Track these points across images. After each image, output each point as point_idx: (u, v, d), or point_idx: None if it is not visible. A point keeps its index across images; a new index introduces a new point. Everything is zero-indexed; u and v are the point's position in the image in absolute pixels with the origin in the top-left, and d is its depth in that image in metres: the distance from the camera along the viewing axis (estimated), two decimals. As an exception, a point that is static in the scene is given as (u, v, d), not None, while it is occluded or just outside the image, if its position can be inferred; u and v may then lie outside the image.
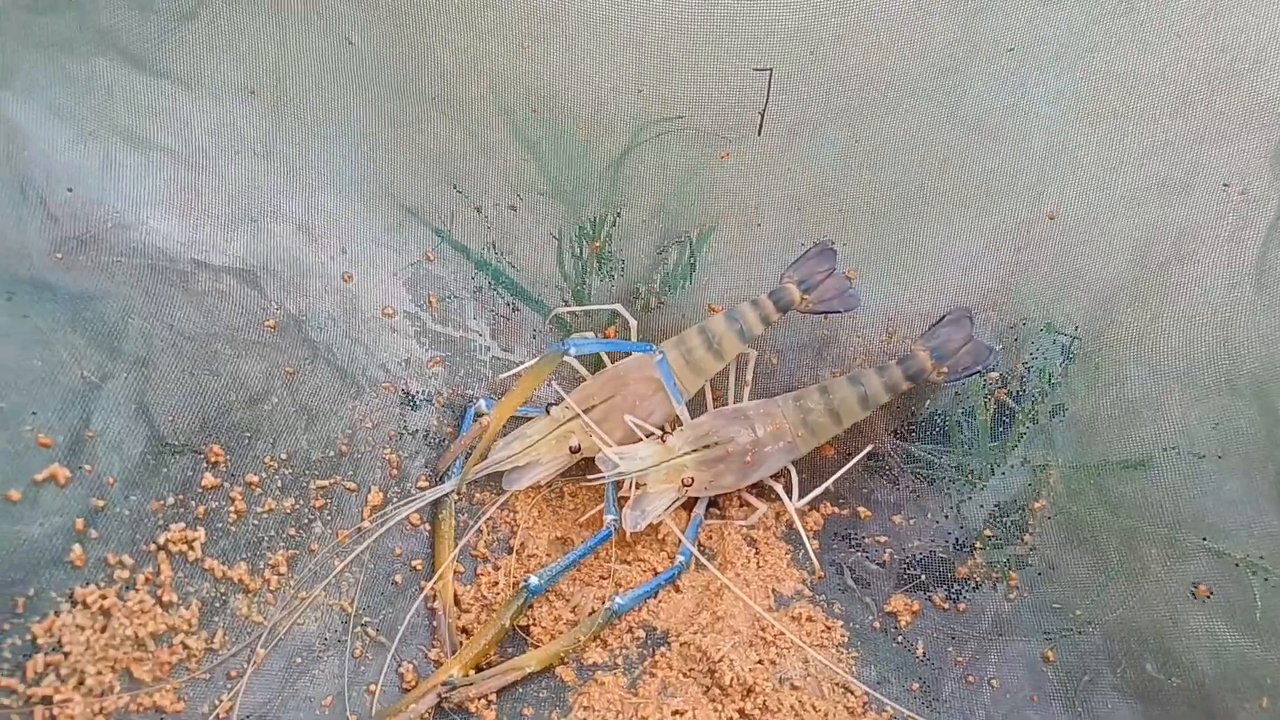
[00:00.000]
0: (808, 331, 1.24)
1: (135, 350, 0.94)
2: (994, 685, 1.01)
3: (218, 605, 0.93)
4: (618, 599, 1.04)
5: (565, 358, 1.14)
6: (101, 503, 0.87)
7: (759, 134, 1.18)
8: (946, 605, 1.07)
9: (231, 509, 0.97)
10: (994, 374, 1.15)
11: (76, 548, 0.84)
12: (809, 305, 1.20)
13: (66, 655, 0.82)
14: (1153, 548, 0.97)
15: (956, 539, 1.10)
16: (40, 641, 0.81)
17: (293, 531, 1.00)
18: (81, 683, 0.83)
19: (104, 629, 0.85)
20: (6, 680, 0.79)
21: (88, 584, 0.85)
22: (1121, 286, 1.07)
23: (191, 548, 0.92)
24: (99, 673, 0.83)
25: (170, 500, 0.92)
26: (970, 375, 1.14)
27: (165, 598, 0.89)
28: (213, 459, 0.97)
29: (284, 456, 1.02)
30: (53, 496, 0.84)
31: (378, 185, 1.15)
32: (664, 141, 1.19)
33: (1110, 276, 1.08)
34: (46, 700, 0.80)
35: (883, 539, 1.13)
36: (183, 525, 0.92)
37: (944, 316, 1.17)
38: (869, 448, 1.19)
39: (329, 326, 1.10)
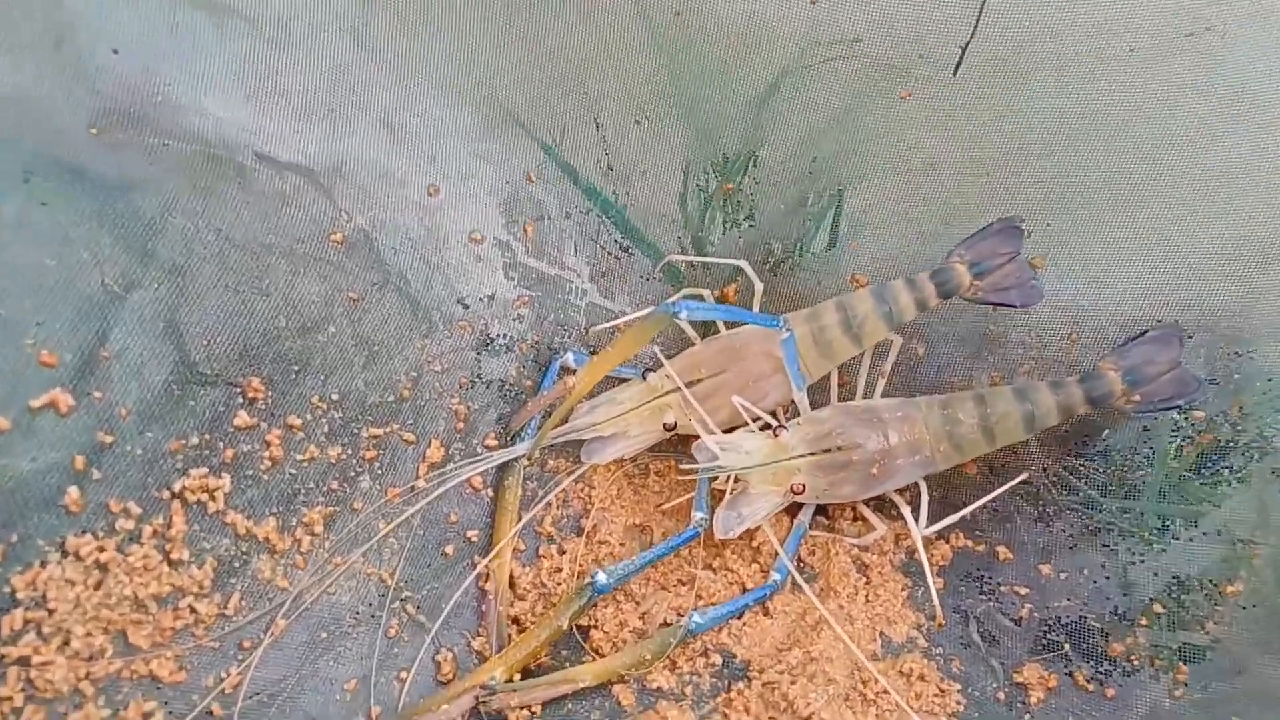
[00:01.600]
0: (969, 322, 1.02)
1: (172, 256, 0.80)
2: (1133, 789, 0.83)
3: (237, 565, 0.80)
4: (695, 616, 0.88)
5: (675, 320, 0.95)
6: (110, 438, 0.74)
7: (954, 73, 0.95)
8: (1091, 686, 0.87)
9: (266, 455, 0.83)
10: (1199, 413, 0.92)
11: (73, 490, 0.72)
12: (979, 293, 0.98)
13: (51, 612, 0.70)
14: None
15: (1116, 607, 0.90)
16: (20, 595, 0.69)
17: (335, 485, 0.87)
18: (66, 643, 0.71)
19: (98, 585, 0.72)
20: (-25, 635, 0.68)
21: (83, 533, 0.72)
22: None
23: (213, 497, 0.79)
24: (88, 634, 0.72)
25: (194, 440, 0.79)
26: (1168, 409, 0.92)
27: (175, 554, 0.76)
28: (250, 394, 0.83)
29: (335, 397, 0.88)
30: (51, 427, 0.71)
31: (481, 82, 0.97)
32: (831, 69, 0.97)
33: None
34: (23, 661, 0.69)
35: (1023, 590, 0.94)
36: (205, 471, 0.79)
37: (1146, 331, 0.94)
38: (1023, 475, 0.99)
39: (405, 248, 0.94)
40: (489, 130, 0.98)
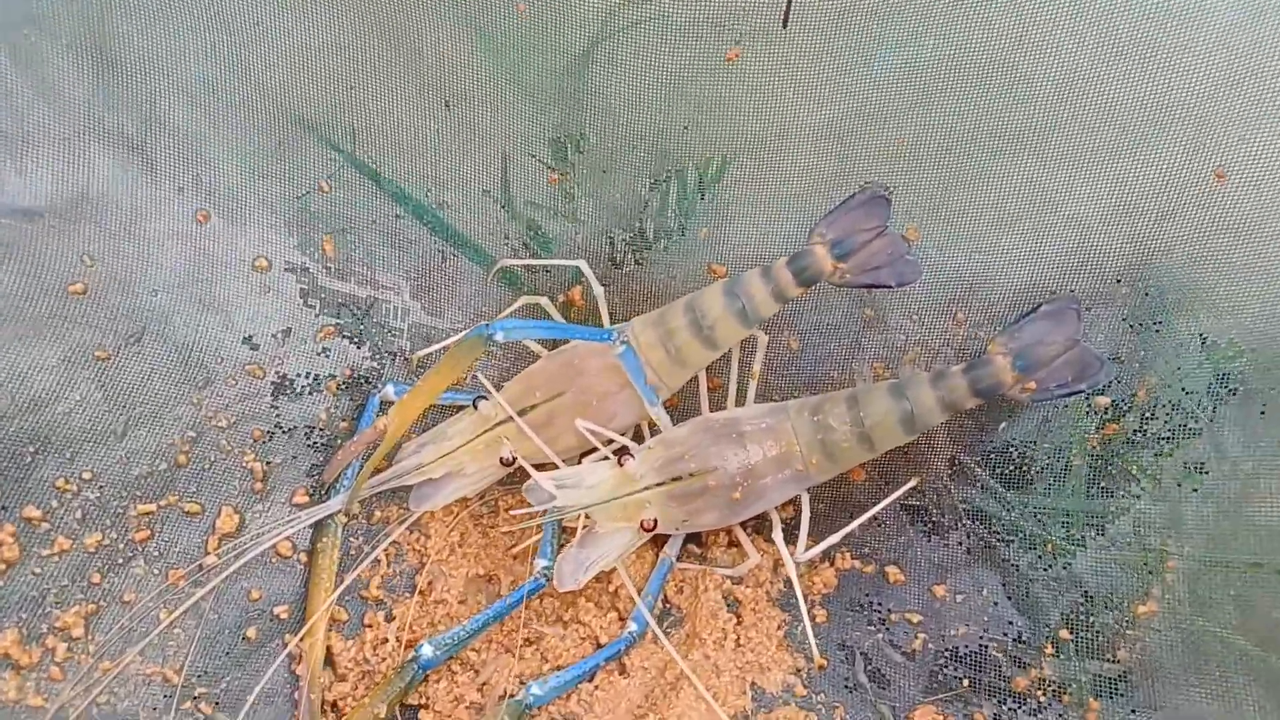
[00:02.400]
0: (844, 308, 0.89)
1: None
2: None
3: (-32, 692, 0.69)
4: (534, 687, 0.76)
5: (492, 342, 0.82)
6: None
7: (784, 26, 0.81)
8: (995, 729, 0.76)
9: (-3, 558, 0.71)
10: (1103, 399, 0.79)
11: None
12: (845, 276, 0.85)
13: None
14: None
15: (1020, 633, 0.78)
16: None
17: (97, 578, 0.74)
18: None
19: None
20: None
21: None
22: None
23: (-77, 618, 0.67)
24: None
25: (-111, 554, 0.67)
26: (1068, 396, 0.79)
27: (-125, 693, 0.65)
28: (-34, 490, 0.70)
29: (87, 476, 0.75)
30: None
31: (252, 86, 0.83)
32: (645, 33, 0.83)
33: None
34: None
35: (916, 618, 0.82)
36: (-92, 588, 0.67)
37: (1038, 306, 0.81)
38: (913, 481, 0.86)
39: (169, 288, 0.81)
40: (265, 138, 0.85)
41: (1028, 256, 0.83)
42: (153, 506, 0.78)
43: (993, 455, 0.83)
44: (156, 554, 0.77)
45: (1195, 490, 0.72)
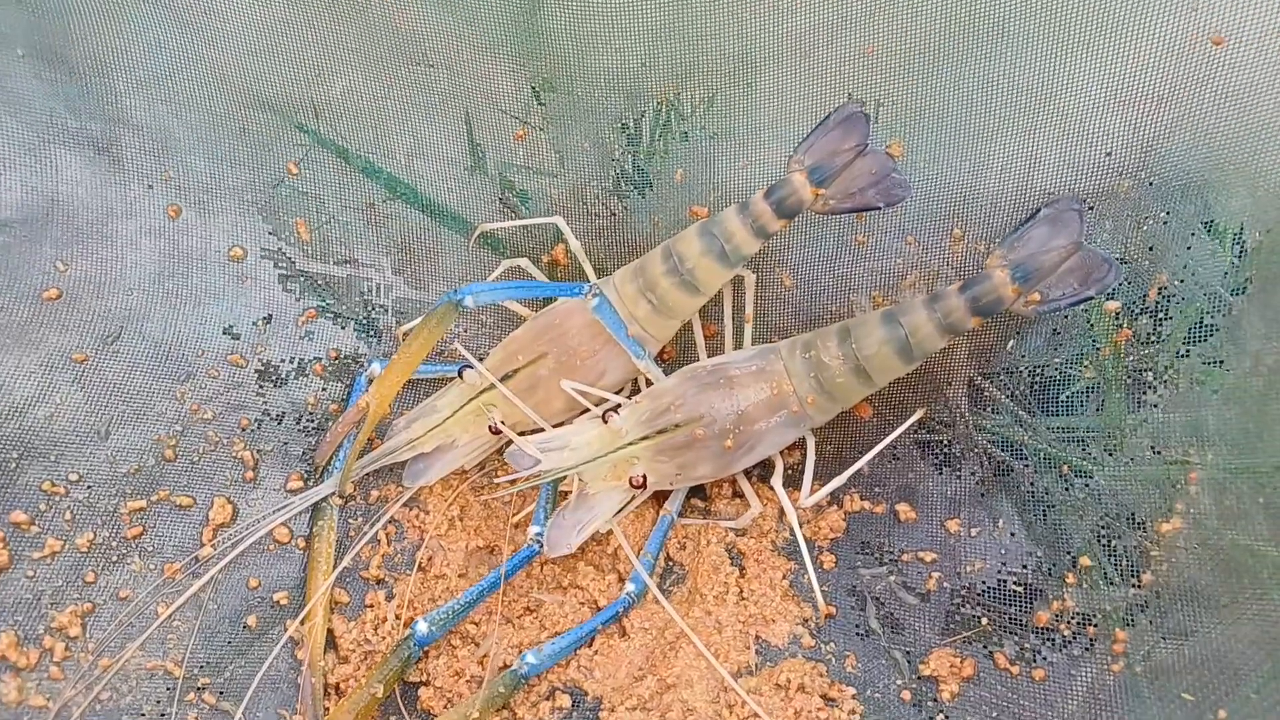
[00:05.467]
0: (836, 237, 0.84)
1: None
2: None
3: (-28, 693, 0.70)
4: (530, 656, 0.74)
5: (462, 309, 0.80)
6: None
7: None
8: (1016, 669, 0.70)
9: (-13, 562, 0.72)
10: (1113, 304, 0.73)
11: None
12: (830, 203, 0.80)
13: None
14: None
15: (1040, 563, 0.72)
16: None
17: (91, 577, 0.75)
18: None
19: None
20: None
21: None
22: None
23: (-82, 628, 0.69)
24: None
25: (-120, 565, 0.69)
26: (1075, 304, 0.73)
27: (-123, 700, 0.67)
28: (-47, 498, 0.72)
29: (74, 478, 0.76)
30: None
31: (211, 74, 0.83)
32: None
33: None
34: None
35: (929, 556, 0.77)
36: (-98, 598, 0.69)
37: (1037, 211, 0.75)
38: (918, 413, 0.81)
39: (144, 285, 0.81)
40: (228, 125, 0.84)
41: (1022, 160, 0.76)
42: (143, 503, 0.78)
43: (1002, 376, 0.77)
44: (151, 549, 0.78)
45: (1215, 393, 0.65)
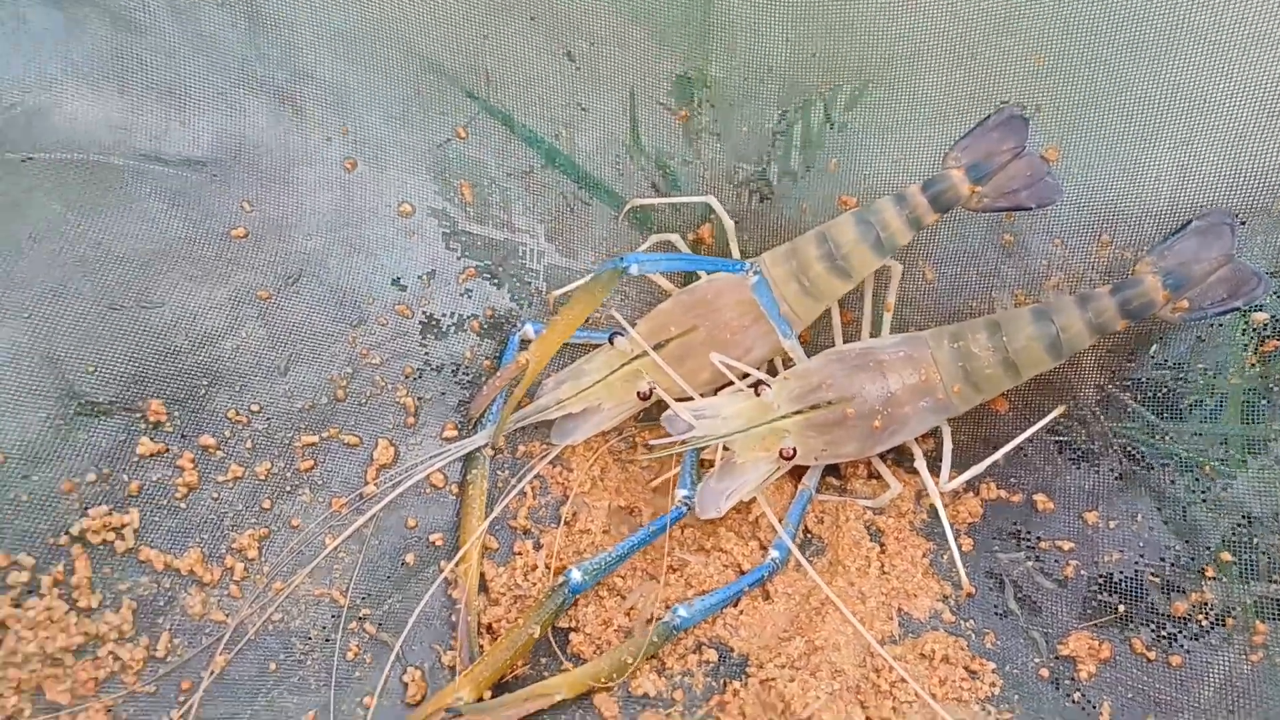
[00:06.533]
0: (981, 234, 0.88)
1: (44, 280, 0.72)
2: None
3: (161, 604, 0.74)
4: (680, 610, 0.77)
5: (625, 275, 0.84)
6: (-17, 489, 0.68)
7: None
8: (1153, 654, 0.74)
9: (180, 481, 0.76)
10: (1261, 315, 0.76)
11: (-57, 549, 0.66)
12: (983, 200, 0.83)
13: (-58, 681, 0.65)
14: None
15: (1178, 557, 0.76)
16: (-100, 670, 0.64)
17: (267, 503, 0.79)
18: (-30, 713, 0.66)
19: (-4, 646, 0.67)
20: None
21: (-36, 593, 0.67)
22: None
23: (121, 535, 0.72)
24: (-2, 696, 0.66)
25: (90, 477, 0.72)
26: (1223, 313, 0.77)
27: (83, 601, 0.70)
28: (152, 418, 0.75)
29: (255, 408, 0.80)
30: (-87, 486, 0.65)
31: (389, 36, 0.86)
32: (775, -39, 0.83)
33: None
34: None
35: (1066, 545, 0.80)
36: (108, 508, 0.72)
37: (1189, 223, 0.78)
38: (1060, 409, 0.85)
39: (321, 232, 0.85)
40: (404, 87, 0.88)
41: (1176, 171, 0.80)
42: (315, 438, 0.82)
43: (1144, 381, 0.81)
44: (320, 483, 0.82)
45: (1370, 404, 0.69)
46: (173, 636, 0.74)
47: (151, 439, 0.75)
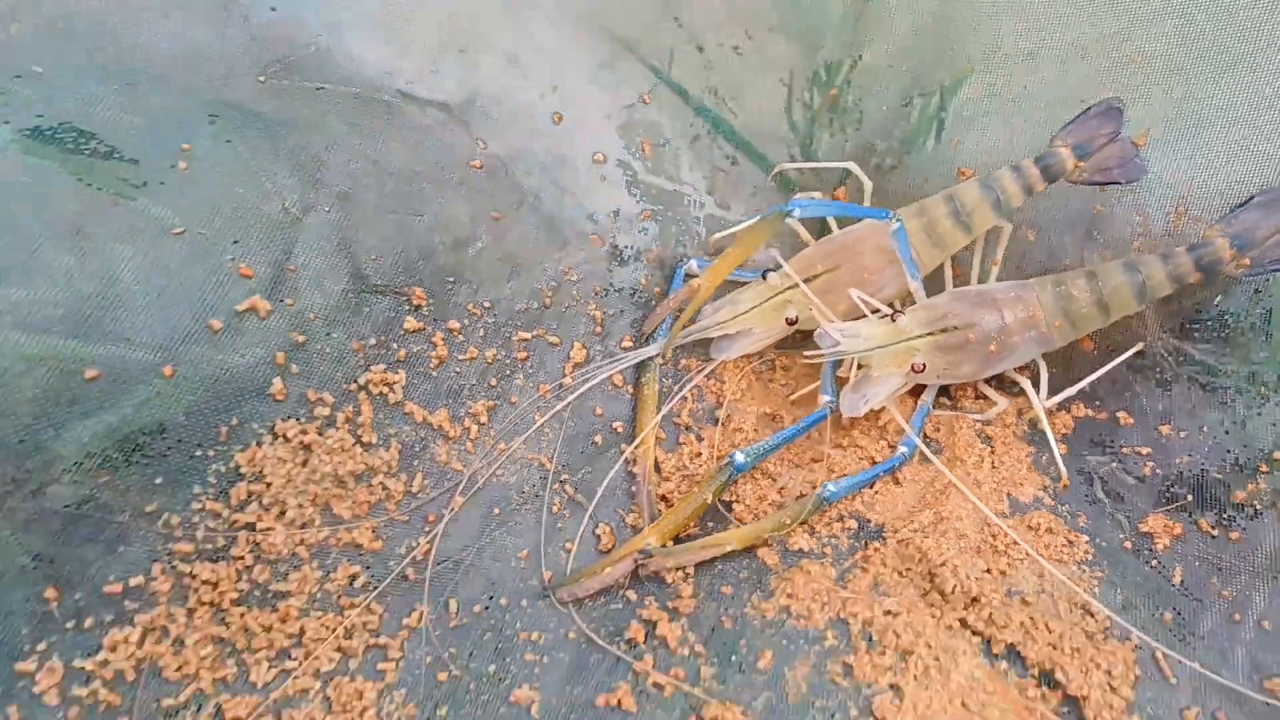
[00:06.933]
0: (1077, 204, 1.06)
1: (338, 184, 0.90)
2: (1264, 627, 0.86)
3: (418, 449, 0.90)
4: (829, 485, 0.94)
5: (787, 220, 1.02)
6: (302, 338, 0.85)
7: (1043, -39, 0.99)
8: (1216, 532, 0.91)
9: (433, 354, 0.93)
10: (1314, 268, 0.95)
11: (277, 381, 0.83)
12: (1083, 174, 1.02)
13: (268, 485, 0.81)
14: None
15: (1236, 459, 0.93)
16: (244, 470, 0.80)
17: (494, 382, 0.96)
18: (283, 513, 0.82)
19: (304, 463, 0.83)
20: (212, 504, 0.79)
21: (289, 418, 0.83)
22: None
23: (392, 390, 0.89)
24: (300, 505, 0.83)
25: (372, 341, 0.89)
26: (1278, 269, 0.95)
27: (365, 438, 0.87)
28: (415, 302, 0.93)
29: (487, 305, 0.97)
30: (255, 328, 0.82)
31: (592, 14, 1.05)
32: (925, -31, 1.02)
33: None
34: (250, 526, 0.80)
35: (1144, 450, 0.98)
36: (383, 367, 0.89)
37: (1252, 197, 0.97)
38: (1138, 346, 1.02)
39: (536, 171, 1.03)
40: (603, 57, 1.07)
41: (1245, 156, 0.98)
42: (528, 335, 0.99)
43: (1209, 322, 0.99)
44: (531, 371, 0.99)
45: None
46: (424, 478, 0.90)
47: (414, 319, 0.92)
